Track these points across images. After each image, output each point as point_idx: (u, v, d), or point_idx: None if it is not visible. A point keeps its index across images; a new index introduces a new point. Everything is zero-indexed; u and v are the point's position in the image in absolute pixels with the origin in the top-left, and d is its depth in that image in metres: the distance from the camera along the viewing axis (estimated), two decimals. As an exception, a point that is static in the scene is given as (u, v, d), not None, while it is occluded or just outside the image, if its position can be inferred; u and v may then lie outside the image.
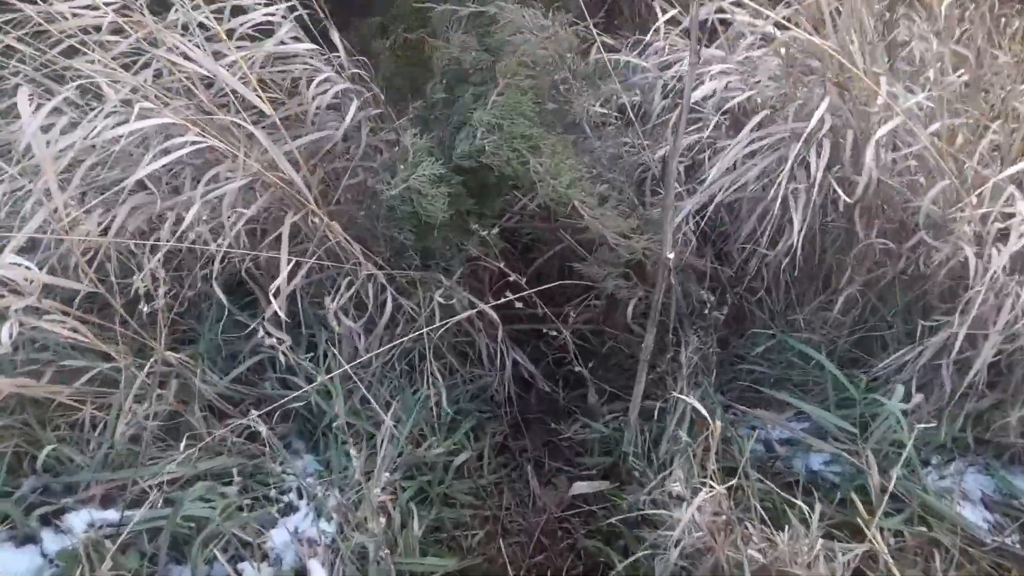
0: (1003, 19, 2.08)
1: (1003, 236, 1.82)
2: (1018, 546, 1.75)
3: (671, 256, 1.65)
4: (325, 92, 2.08)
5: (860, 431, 1.84)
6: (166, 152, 1.73)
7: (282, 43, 2.01)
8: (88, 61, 1.77)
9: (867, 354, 2.06)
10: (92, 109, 1.79)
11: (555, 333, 2.09)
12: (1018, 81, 1.83)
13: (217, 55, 1.85)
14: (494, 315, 2.10)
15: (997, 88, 1.89)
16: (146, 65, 1.91)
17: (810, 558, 1.33)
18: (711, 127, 2.03)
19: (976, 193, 1.74)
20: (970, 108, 1.79)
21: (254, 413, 1.54)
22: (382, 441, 1.83)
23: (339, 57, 2.18)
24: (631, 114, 2.18)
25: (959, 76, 1.81)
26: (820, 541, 1.38)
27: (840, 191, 1.80)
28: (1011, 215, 1.68)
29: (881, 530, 1.66)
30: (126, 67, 1.85)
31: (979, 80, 1.81)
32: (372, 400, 1.92)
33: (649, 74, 2.25)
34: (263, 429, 1.57)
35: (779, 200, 1.77)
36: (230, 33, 1.93)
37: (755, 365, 2.16)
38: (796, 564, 1.32)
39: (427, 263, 2.12)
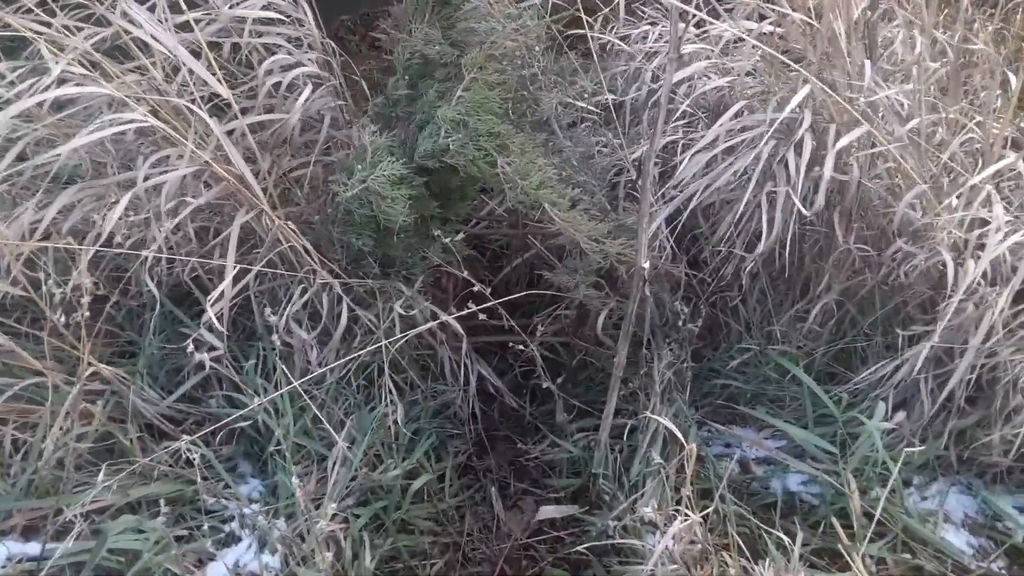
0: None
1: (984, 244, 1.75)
2: (1004, 572, 1.67)
3: (646, 266, 1.55)
4: (285, 72, 1.95)
5: (840, 450, 1.75)
6: (109, 125, 1.58)
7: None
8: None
9: (846, 368, 1.98)
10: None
11: (523, 346, 1.97)
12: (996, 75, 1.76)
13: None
14: (458, 327, 1.98)
15: (977, 83, 1.83)
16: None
17: (794, 595, 1.24)
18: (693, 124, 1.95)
19: (956, 195, 1.67)
20: (948, 105, 1.71)
21: (185, 438, 1.40)
22: (334, 464, 1.70)
23: (309, 37, 2.05)
24: (612, 110, 2.09)
25: (939, 66, 1.73)
26: (803, 573, 1.28)
27: (819, 196, 1.71)
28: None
29: (863, 557, 1.57)
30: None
31: (959, 74, 1.74)
32: (324, 419, 1.79)
33: (632, 63, 2.16)
34: (197, 455, 1.43)
35: (755, 201, 1.68)
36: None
37: (730, 379, 2.07)
38: (779, 602, 1.23)
39: (387, 271, 2.00)
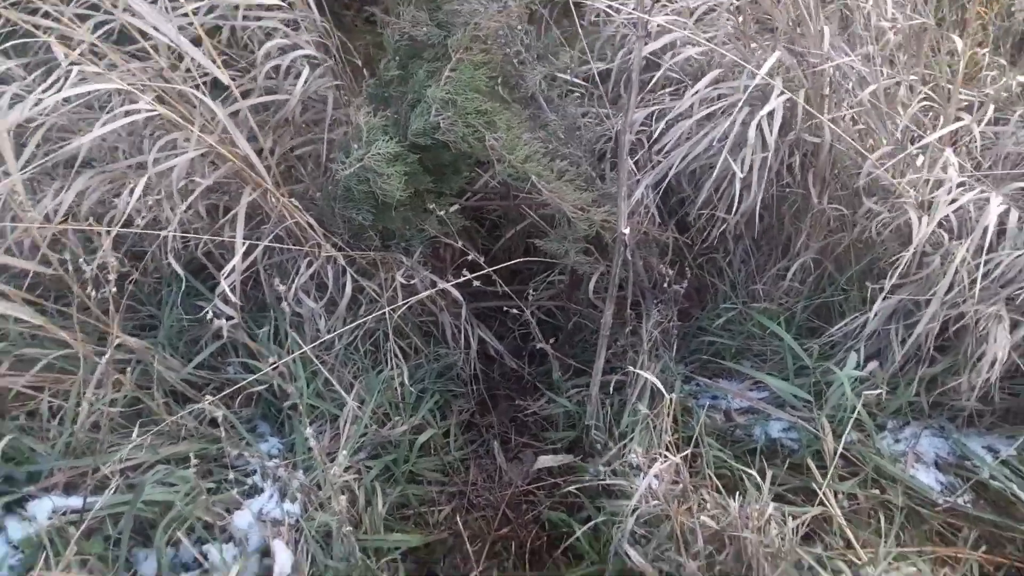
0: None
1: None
2: (969, 506, 1.80)
3: (627, 231, 1.66)
4: (284, 55, 2.06)
5: (815, 399, 1.87)
6: (123, 116, 1.70)
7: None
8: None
9: (825, 322, 2.09)
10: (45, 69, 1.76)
11: (517, 311, 2.09)
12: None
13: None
14: (456, 293, 2.10)
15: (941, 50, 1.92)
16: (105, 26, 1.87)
17: (761, 522, 1.36)
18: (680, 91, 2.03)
19: (917, 155, 1.77)
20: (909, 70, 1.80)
21: (209, 399, 1.53)
22: (345, 422, 1.84)
23: (306, 19, 2.14)
24: (598, 80, 2.18)
25: (894, 34, 1.82)
26: (772, 505, 1.41)
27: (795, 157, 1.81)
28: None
29: (836, 494, 1.70)
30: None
31: (920, 40, 1.83)
32: (335, 382, 1.93)
33: (618, 30, 2.24)
34: (219, 414, 1.57)
35: (730, 166, 1.78)
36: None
37: (717, 336, 2.19)
38: (747, 528, 1.35)
39: (387, 243, 2.12)
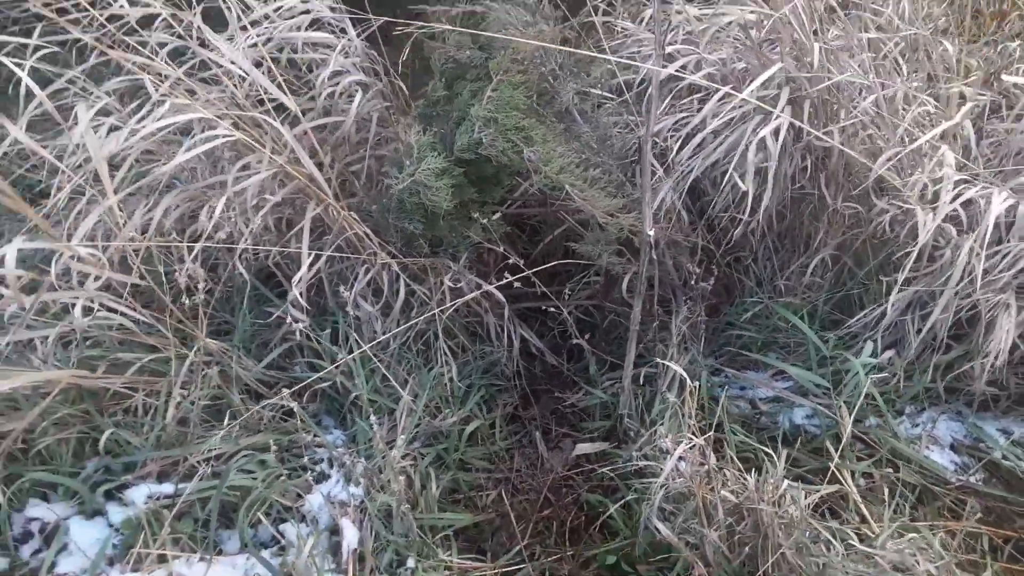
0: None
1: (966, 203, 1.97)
2: (981, 483, 1.92)
3: (651, 232, 1.82)
4: (337, 83, 2.27)
5: (834, 387, 2.00)
6: (203, 142, 1.92)
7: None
8: (135, 52, 1.96)
9: (846, 315, 2.21)
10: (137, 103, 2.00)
11: (555, 310, 2.27)
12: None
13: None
14: (499, 295, 2.28)
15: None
16: (180, 55, 2.09)
17: (776, 495, 1.51)
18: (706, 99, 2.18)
19: (918, 154, 1.89)
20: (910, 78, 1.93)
21: (286, 392, 1.74)
22: (401, 414, 2.03)
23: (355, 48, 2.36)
24: (624, 90, 2.34)
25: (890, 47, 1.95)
26: (786, 482, 1.55)
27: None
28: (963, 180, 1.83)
29: (853, 473, 1.84)
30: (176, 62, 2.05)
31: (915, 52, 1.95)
32: (391, 378, 2.13)
33: (643, 47, 2.40)
34: (295, 405, 1.77)
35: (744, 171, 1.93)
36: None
37: (744, 330, 2.33)
38: (763, 501, 1.50)
39: (436, 250, 2.31)
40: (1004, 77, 2.22)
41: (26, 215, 1.77)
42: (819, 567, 1.51)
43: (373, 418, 1.78)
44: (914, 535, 1.56)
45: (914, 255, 1.81)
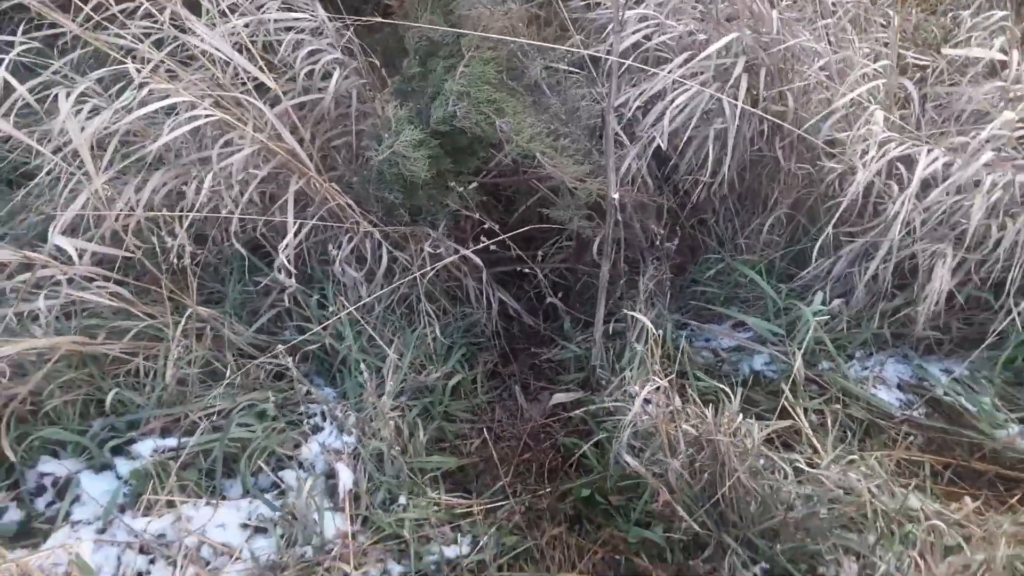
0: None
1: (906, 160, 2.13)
2: (924, 417, 2.09)
3: (616, 196, 1.96)
4: (315, 58, 2.38)
5: (788, 334, 2.17)
6: (187, 122, 2.03)
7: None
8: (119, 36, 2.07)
9: (801, 269, 2.37)
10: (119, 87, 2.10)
11: (530, 270, 2.41)
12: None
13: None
14: (477, 260, 2.42)
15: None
16: (162, 44, 2.20)
17: (732, 428, 1.67)
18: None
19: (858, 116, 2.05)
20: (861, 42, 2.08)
21: (281, 347, 1.87)
22: (388, 370, 2.16)
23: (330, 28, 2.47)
24: (590, 65, 2.47)
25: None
26: (741, 416, 1.71)
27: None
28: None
29: (805, 411, 2.00)
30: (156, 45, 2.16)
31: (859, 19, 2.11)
32: (377, 338, 2.26)
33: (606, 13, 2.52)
34: (289, 362, 1.90)
35: (708, 136, 2.07)
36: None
37: (707, 287, 2.48)
38: (721, 433, 1.66)
39: (415, 219, 2.44)
40: (944, 51, 2.37)
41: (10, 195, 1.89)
42: (771, 489, 1.67)
43: (364, 368, 1.91)
44: (856, 458, 1.73)
45: (844, 204, 1.96)
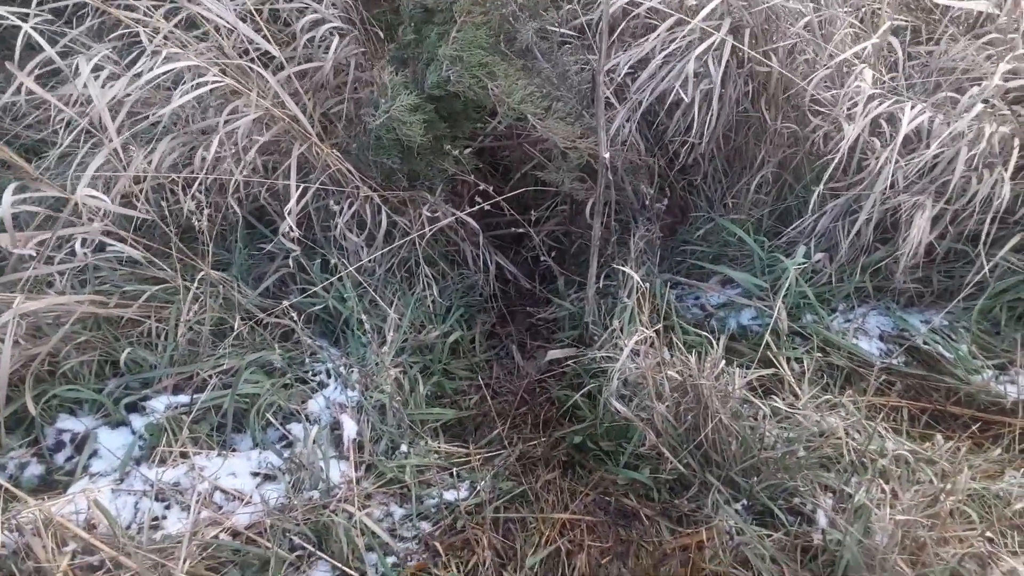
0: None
1: (890, 119, 2.19)
2: (903, 365, 2.17)
3: (607, 155, 2.03)
4: (316, 27, 2.45)
5: (773, 288, 2.25)
6: (196, 88, 2.11)
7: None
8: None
9: (787, 226, 2.45)
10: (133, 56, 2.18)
11: (524, 231, 2.48)
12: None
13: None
14: (474, 224, 2.50)
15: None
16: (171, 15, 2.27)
17: (715, 372, 1.76)
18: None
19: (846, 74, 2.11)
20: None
21: (286, 303, 1.96)
22: (389, 328, 2.25)
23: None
24: (586, 29, 2.53)
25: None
26: (723, 362, 1.80)
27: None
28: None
29: (788, 360, 2.09)
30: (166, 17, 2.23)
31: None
32: (379, 299, 2.35)
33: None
34: (294, 320, 1.99)
35: (697, 97, 2.14)
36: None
37: (697, 246, 2.56)
38: (704, 377, 1.75)
39: (413, 184, 2.51)
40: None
41: (25, 168, 1.97)
42: (751, 430, 1.76)
43: (367, 326, 2.00)
44: (834, 400, 1.82)
45: (835, 162, 2.03)
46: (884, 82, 2.11)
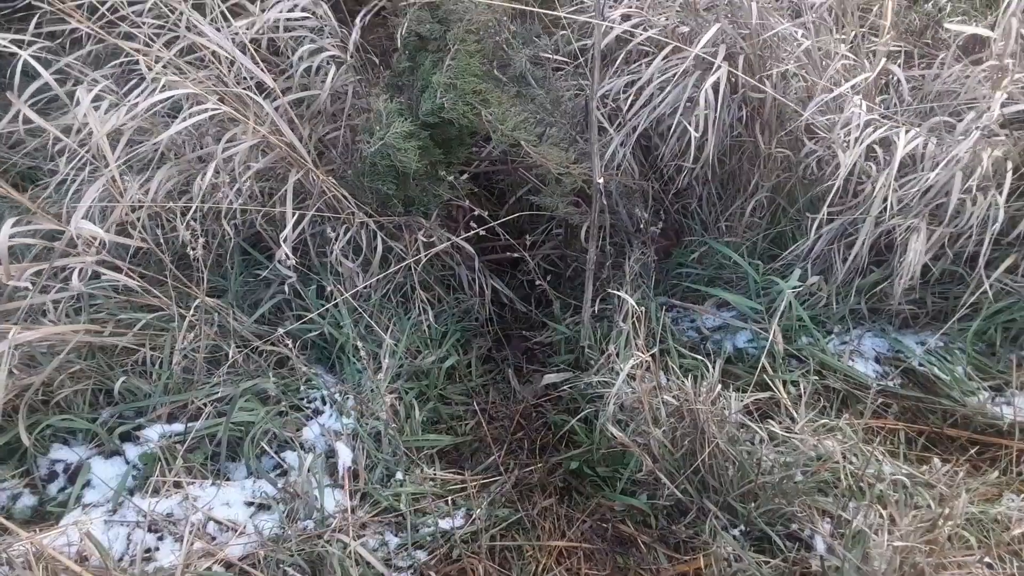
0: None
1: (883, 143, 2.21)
2: (899, 387, 2.17)
3: (601, 180, 2.04)
4: (313, 57, 2.47)
5: (768, 312, 2.25)
6: (194, 115, 2.12)
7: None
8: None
9: (781, 249, 2.45)
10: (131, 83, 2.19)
11: (519, 255, 2.49)
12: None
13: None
14: (470, 248, 2.50)
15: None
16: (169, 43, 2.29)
17: (711, 397, 1.75)
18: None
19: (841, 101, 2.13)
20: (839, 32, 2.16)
21: (281, 331, 1.95)
22: (385, 355, 2.25)
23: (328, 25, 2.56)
24: (579, 55, 2.56)
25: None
26: (719, 386, 1.79)
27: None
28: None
29: (784, 383, 2.09)
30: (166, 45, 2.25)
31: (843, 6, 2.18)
32: (374, 325, 2.34)
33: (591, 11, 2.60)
34: (290, 346, 1.99)
35: (692, 123, 2.15)
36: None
37: (692, 269, 2.56)
38: (700, 402, 1.74)
39: (409, 209, 2.52)
40: (947, 25, 2.43)
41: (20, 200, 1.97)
42: (748, 455, 1.75)
43: (362, 353, 1.99)
44: (832, 425, 1.81)
45: (835, 189, 2.04)
46: (877, 108, 2.12)
